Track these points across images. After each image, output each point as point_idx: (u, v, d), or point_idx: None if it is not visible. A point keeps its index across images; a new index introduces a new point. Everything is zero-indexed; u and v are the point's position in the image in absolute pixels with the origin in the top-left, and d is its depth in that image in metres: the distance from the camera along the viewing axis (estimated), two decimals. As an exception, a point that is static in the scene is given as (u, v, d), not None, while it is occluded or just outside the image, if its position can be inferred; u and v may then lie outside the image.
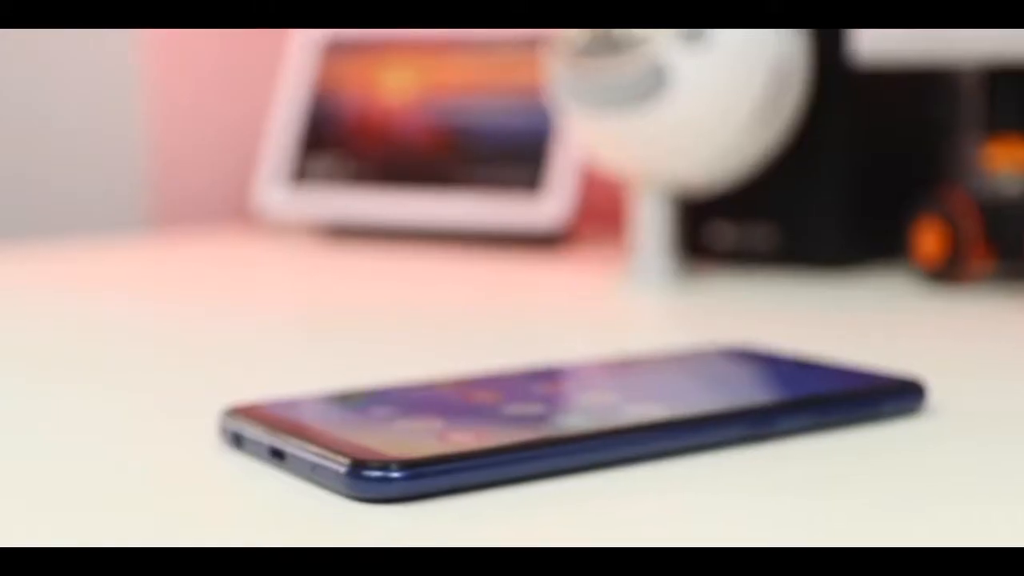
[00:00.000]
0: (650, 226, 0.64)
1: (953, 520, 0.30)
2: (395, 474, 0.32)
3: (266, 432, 0.35)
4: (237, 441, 0.36)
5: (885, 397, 0.39)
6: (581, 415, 0.36)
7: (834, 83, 0.65)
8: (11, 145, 0.93)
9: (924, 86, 0.69)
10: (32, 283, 0.66)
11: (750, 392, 0.39)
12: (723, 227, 0.68)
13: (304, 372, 0.46)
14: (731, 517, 0.30)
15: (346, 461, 0.32)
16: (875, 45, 0.65)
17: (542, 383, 0.40)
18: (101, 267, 0.72)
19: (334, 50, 0.86)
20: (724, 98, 0.60)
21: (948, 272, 0.61)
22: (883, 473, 0.34)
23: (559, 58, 0.62)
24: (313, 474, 0.33)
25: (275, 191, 0.85)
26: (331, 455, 0.33)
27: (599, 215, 0.87)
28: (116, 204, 0.92)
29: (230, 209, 0.96)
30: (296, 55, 0.87)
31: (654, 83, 0.59)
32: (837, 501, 0.31)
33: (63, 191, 0.93)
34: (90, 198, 0.92)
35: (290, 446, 0.34)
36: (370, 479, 0.32)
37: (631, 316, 0.56)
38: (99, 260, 0.75)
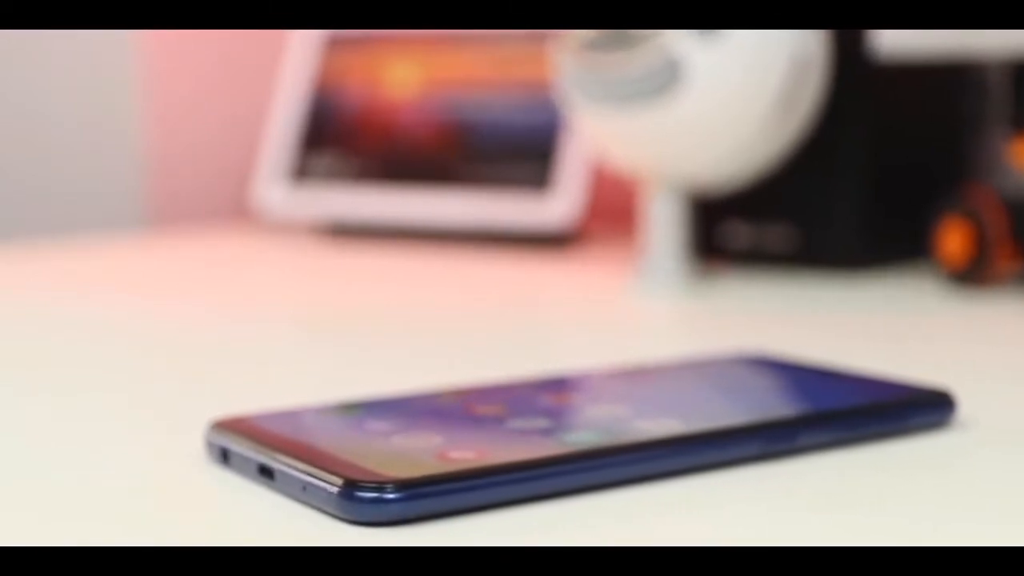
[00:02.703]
0: (662, 226, 0.63)
1: (987, 542, 0.29)
2: (391, 495, 0.30)
3: (254, 448, 0.34)
4: (224, 457, 0.35)
5: (913, 409, 0.38)
6: (589, 430, 0.35)
7: (854, 78, 0.64)
8: (10, 144, 0.93)
9: (947, 81, 0.69)
10: (29, 283, 0.66)
11: (769, 405, 0.38)
12: (738, 227, 0.67)
13: (302, 377, 0.46)
14: (748, 538, 0.29)
15: (339, 481, 0.31)
16: (896, 39, 0.64)
17: (548, 394, 0.39)
18: (99, 266, 0.72)
19: (335, 45, 0.85)
20: (740, 93, 0.59)
21: (973, 274, 0.60)
22: (911, 491, 0.33)
23: (568, 52, 0.61)
24: (304, 494, 0.32)
25: (275, 189, 0.85)
26: (323, 474, 0.31)
27: (609, 214, 0.87)
28: (114, 203, 0.92)
29: (230, 207, 0.96)
30: (297, 50, 0.87)
31: (667, 78, 0.59)
32: (862, 520, 0.30)
33: (61, 190, 0.93)
34: (88, 196, 0.93)
35: (279, 463, 0.33)
36: (364, 500, 0.30)
37: (642, 320, 0.56)
38: (97, 259, 0.75)
